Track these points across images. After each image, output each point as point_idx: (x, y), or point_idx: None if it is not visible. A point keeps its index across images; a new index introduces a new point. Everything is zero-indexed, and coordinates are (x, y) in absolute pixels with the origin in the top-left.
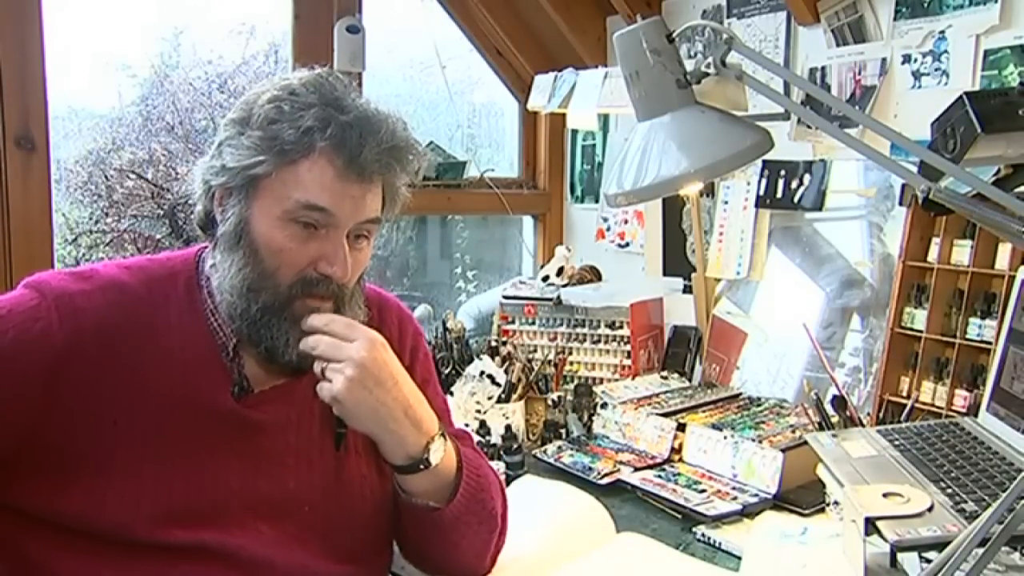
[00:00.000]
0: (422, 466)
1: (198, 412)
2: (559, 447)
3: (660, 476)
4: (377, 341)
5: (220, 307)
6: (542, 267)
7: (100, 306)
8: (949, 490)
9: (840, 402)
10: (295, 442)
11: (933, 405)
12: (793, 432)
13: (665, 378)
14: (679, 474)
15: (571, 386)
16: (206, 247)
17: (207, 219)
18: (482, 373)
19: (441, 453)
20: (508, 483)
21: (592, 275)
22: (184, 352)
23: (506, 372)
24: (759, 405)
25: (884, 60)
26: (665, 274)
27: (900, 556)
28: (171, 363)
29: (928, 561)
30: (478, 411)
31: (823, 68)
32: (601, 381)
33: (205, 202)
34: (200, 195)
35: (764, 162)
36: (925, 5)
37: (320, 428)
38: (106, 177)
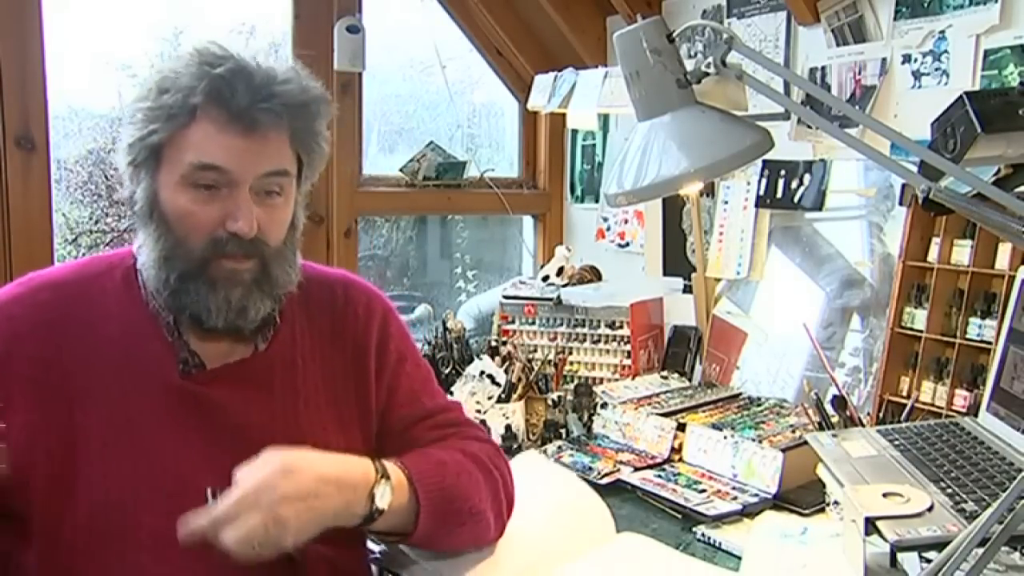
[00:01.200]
0: (376, 516)
1: (150, 392)
2: (559, 447)
3: (660, 476)
4: (253, 482)
5: (148, 284)
6: (542, 267)
7: (32, 308)
8: (949, 490)
9: (840, 402)
10: (258, 419)
11: (933, 405)
12: (793, 432)
13: (665, 378)
14: (679, 474)
15: (571, 386)
16: None
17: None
18: (482, 373)
19: (388, 495)
20: None
21: (592, 275)
22: (127, 337)
23: (506, 372)
24: (759, 405)
25: (884, 60)
26: (665, 274)
27: (900, 556)
28: (115, 349)
29: (928, 561)
30: (478, 411)
31: (823, 68)
32: (601, 381)
33: (131, 186)
34: (127, 181)
35: (764, 162)
36: (925, 5)
37: (282, 404)
38: (106, 177)
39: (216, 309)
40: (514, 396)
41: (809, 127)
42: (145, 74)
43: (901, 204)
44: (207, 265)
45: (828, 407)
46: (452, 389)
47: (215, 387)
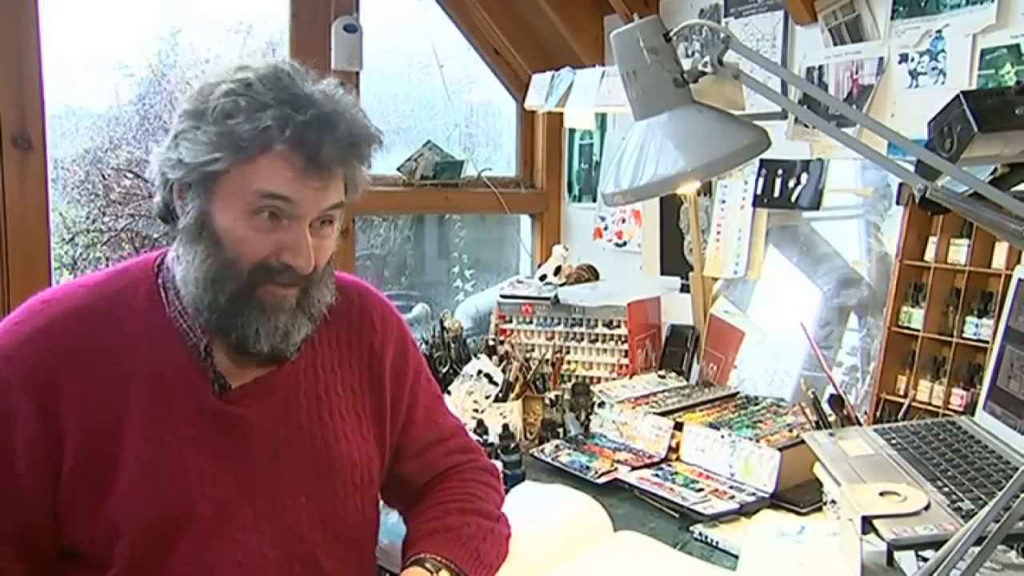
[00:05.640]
0: None
1: (184, 416)
2: (557, 446)
3: (657, 475)
4: None
5: (186, 301)
6: (540, 266)
7: (61, 339)
8: (946, 489)
9: (837, 401)
10: (285, 434)
11: (930, 404)
12: (790, 431)
13: (663, 377)
14: (676, 473)
15: (568, 385)
16: (164, 253)
17: (167, 210)
18: (480, 372)
19: None
20: (506, 483)
21: (589, 274)
22: (156, 360)
23: (504, 371)
24: (756, 404)
25: (881, 59)
26: (663, 273)
27: (897, 555)
28: (146, 373)
29: (925, 559)
30: (476, 410)
31: (820, 67)
32: (598, 380)
33: (164, 193)
34: (159, 186)
35: (761, 161)
36: (922, 4)
37: (307, 416)
38: (103, 176)
39: (266, 335)
40: (512, 395)
41: (806, 126)
42: (143, 73)
43: (898, 203)
44: (255, 288)
45: (825, 406)
46: (450, 388)
47: (245, 405)
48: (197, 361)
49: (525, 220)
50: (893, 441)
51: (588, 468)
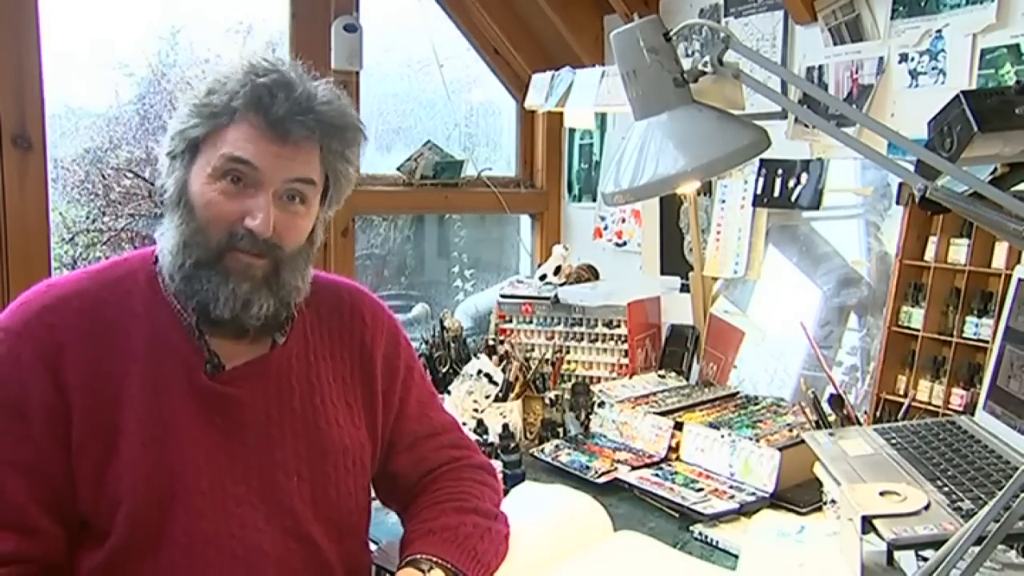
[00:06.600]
0: None
1: (179, 393)
2: (556, 446)
3: (657, 475)
4: None
5: (165, 273)
6: (539, 266)
7: (68, 316)
8: (946, 488)
9: (837, 401)
10: (277, 415)
11: (930, 404)
12: (790, 431)
13: (662, 377)
14: (676, 473)
15: (568, 385)
16: None
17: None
18: (479, 372)
19: None
20: (506, 483)
21: (589, 274)
22: (155, 340)
23: (504, 371)
24: (756, 404)
25: (881, 59)
26: (662, 273)
27: (897, 554)
28: (145, 352)
29: (925, 559)
30: (475, 410)
31: (820, 67)
32: (598, 380)
33: (163, 178)
34: (163, 172)
35: (761, 161)
36: (922, 4)
37: (300, 400)
38: (103, 176)
39: (224, 299)
40: (511, 395)
41: (806, 126)
42: (143, 73)
43: (898, 203)
44: (222, 256)
45: (825, 406)
46: (450, 388)
47: (238, 386)
48: (192, 340)
49: (525, 220)
50: (893, 441)
51: (588, 468)
